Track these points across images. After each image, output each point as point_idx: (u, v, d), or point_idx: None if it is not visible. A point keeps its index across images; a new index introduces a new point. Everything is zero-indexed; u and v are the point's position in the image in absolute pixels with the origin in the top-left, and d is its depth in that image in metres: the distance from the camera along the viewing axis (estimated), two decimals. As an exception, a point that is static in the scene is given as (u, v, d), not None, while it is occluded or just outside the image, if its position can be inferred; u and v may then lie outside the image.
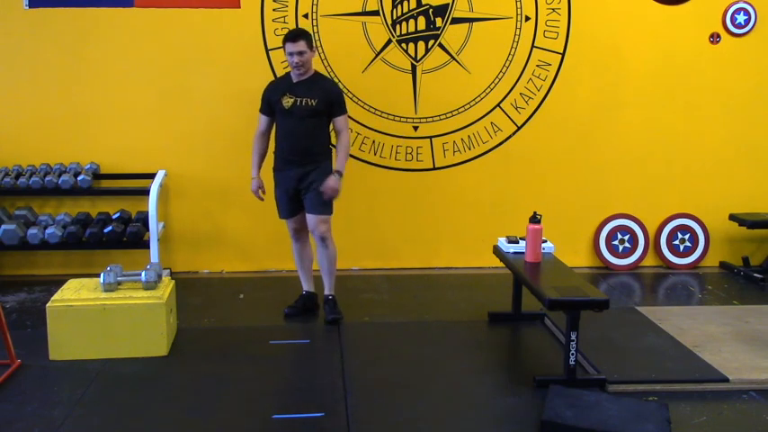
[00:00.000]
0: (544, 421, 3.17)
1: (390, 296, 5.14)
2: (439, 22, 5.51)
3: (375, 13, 5.46)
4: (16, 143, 5.39)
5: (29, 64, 5.31)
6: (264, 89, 4.56)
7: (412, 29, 5.51)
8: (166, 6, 5.32)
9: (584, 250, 5.92)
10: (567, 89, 5.65)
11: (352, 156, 5.38)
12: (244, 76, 5.39)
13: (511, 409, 3.41)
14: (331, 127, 4.53)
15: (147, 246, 5.07)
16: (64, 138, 5.40)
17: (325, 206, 4.45)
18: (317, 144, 4.47)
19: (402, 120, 5.62)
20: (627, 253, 5.88)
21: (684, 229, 5.90)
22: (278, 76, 5.15)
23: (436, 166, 5.71)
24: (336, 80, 5.34)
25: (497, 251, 4.53)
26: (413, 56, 5.55)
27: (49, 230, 5.03)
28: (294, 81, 4.42)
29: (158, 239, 5.08)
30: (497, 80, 5.62)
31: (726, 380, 3.66)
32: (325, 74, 5.23)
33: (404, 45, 5.52)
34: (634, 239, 5.86)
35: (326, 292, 4.64)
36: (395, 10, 5.47)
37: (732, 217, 5.77)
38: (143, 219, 5.18)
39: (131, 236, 5.08)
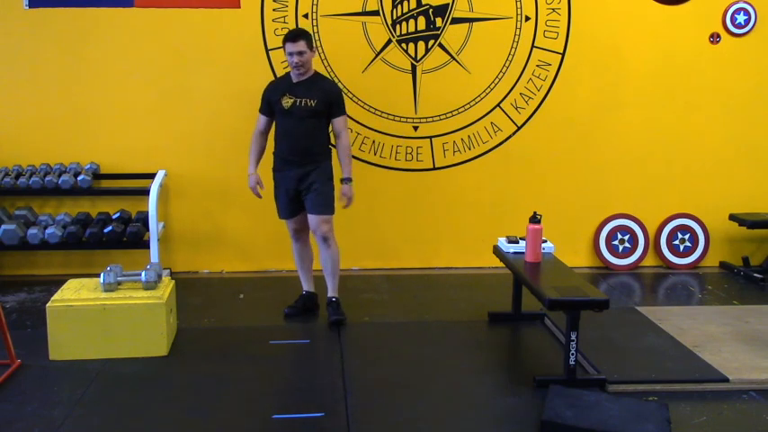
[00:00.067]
0: (544, 421, 3.17)
1: (390, 296, 5.14)
2: (439, 22, 5.51)
3: (375, 13, 5.46)
4: (16, 143, 5.39)
5: (29, 64, 5.31)
6: (264, 89, 4.55)
7: (412, 29, 5.51)
8: (166, 6, 5.32)
9: (584, 250, 5.92)
10: (567, 89, 5.65)
11: (352, 156, 5.37)
12: (244, 76, 5.39)
13: (511, 409, 3.41)
14: (330, 128, 4.53)
15: (147, 246, 5.08)
16: (64, 138, 5.41)
17: (326, 206, 4.44)
18: (317, 144, 4.46)
19: (402, 120, 5.62)
20: (627, 253, 5.88)
21: (684, 229, 5.90)
22: (278, 76, 5.15)
23: (436, 166, 5.71)
24: (336, 80, 5.35)
25: (497, 251, 4.54)
26: (413, 56, 5.55)
27: (49, 230, 5.03)
28: (294, 81, 4.42)
29: (158, 239, 5.08)
30: (497, 80, 5.62)
31: (726, 380, 3.66)
32: (325, 74, 5.23)
33: (404, 45, 5.52)
34: (634, 239, 5.86)
35: (330, 294, 4.59)
36: (395, 10, 5.47)
37: (732, 217, 5.77)
38: (143, 219, 5.18)
39: (131, 236, 5.08)
